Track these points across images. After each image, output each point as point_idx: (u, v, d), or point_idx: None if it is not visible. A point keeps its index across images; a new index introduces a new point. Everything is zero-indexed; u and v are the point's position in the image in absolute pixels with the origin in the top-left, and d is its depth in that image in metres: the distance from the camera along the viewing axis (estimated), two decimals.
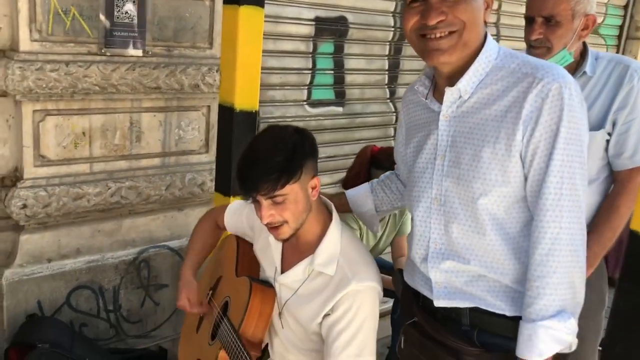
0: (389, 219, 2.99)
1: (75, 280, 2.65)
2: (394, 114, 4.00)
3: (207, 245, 2.04)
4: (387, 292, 2.80)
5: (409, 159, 1.56)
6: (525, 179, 1.34)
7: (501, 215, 1.37)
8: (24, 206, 2.47)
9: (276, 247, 1.77)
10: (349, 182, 2.58)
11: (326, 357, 1.62)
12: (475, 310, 1.43)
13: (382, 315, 3.32)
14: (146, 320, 2.93)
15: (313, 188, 1.62)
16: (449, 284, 1.46)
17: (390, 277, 2.87)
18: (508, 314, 1.40)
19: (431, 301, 1.49)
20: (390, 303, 3.14)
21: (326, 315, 1.63)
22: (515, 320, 1.37)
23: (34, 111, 2.46)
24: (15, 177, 2.52)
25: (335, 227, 1.68)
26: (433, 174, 1.45)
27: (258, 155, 1.57)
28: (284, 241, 1.68)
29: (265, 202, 1.57)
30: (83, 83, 2.50)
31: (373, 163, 2.68)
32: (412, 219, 1.54)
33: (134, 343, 2.88)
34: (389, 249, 3.06)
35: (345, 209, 1.91)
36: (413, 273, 1.57)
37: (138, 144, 2.78)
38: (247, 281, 1.78)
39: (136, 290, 2.86)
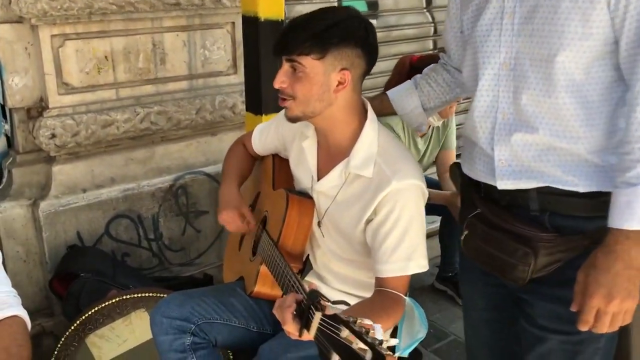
0: (432, 133, 2.85)
1: (113, 210, 2.62)
2: (432, 25, 3.76)
3: (243, 169, 1.95)
4: (434, 209, 2.70)
5: (467, 25, 1.42)
6: (613, 29, 1.19)
7: (579, 76, 1.24)
8: (53, 136, 2.41)
9: (310, 152, 1.66)
10: None
11: (375, 265, 1.51)
12: (544, 192, 1.31)
13: (430, 234, 3.24)
14: (189, 248, 2.89)
15: (340, 83, 1.49)
16: (515, 160, 1.33)
17: (438, 191, 2.75)
18: (582, 189, 1.28)
19: (494, 189, 1.37)
20: (437, 223, 3.03)
21: (369, 220, 1.52)
22: (590, 197, 1.26)
23: (52, 36, 2.37)
24: (40, 107, 2.46)
25: (371, 127, 1.55)
26: (500, 36, 1.32)
27: (304, 17, 1.52)
28: (292, 121, 1.57)
29: (285, 66, 1.51)
30: (99, 2, 2.38)
31: (413, 73, 2.50)
32: (474, 93, 1.39)
33: (178, 271, 2.86)
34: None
35: (388, 111, 1.77)
36: (472, 160, 1.44)
37: (163, 67, 2.67)
38: (284, 193, 1.70)
39: (176, 217, 2.81)
